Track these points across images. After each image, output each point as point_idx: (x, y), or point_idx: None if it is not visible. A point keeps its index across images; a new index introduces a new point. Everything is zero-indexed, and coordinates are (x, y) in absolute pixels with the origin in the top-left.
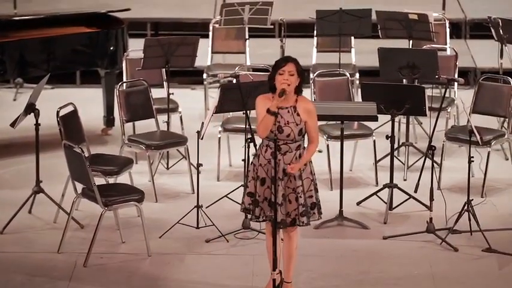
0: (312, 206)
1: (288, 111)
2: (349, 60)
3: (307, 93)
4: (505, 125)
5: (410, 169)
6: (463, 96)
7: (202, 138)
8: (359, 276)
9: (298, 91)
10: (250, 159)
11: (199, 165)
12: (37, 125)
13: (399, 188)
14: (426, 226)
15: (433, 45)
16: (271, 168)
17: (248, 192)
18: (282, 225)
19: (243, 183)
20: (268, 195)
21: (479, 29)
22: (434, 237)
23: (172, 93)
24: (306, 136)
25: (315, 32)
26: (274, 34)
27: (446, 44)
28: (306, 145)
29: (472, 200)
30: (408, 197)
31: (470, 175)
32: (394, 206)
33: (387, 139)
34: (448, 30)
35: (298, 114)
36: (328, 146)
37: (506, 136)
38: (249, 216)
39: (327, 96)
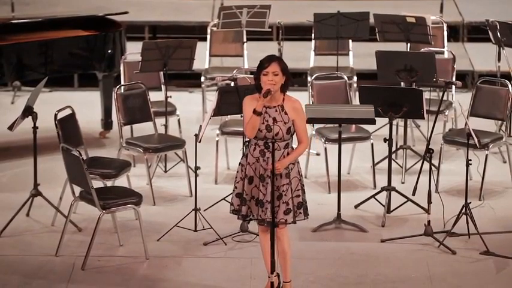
0: (299, 205)
1: (276, 110)
2: (347, 63)
3: (304, 96)
4: (503, 128)
5: (408, 172)
6: (461, 99)
7: (200, 141)
8: (357, 279)
9: (284, 89)
10: None
11: (197, 168)
12: (35, 128)
13: (397, 191)
14: (424, 229)
15: (431, 48)
16: (260, 167)
17: (237, 193)
18: (264, 223)
19: None
20: (256, 194)
21: (476, 32)
22: (432, 240)
23: (170, 96)
24: (294, 137)
25: (313, 35)
26: (272, 37)
27: (444, 47)
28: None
29: (470, 203)
30: (406, 200)
31: (468, 178)
32: (392, 209)
33: (385, 142)
34: (445, 33)
35: (286, 113)
36: (326, 149)
37: (503, 139)
38: (239, 217)
39: (325, 99)
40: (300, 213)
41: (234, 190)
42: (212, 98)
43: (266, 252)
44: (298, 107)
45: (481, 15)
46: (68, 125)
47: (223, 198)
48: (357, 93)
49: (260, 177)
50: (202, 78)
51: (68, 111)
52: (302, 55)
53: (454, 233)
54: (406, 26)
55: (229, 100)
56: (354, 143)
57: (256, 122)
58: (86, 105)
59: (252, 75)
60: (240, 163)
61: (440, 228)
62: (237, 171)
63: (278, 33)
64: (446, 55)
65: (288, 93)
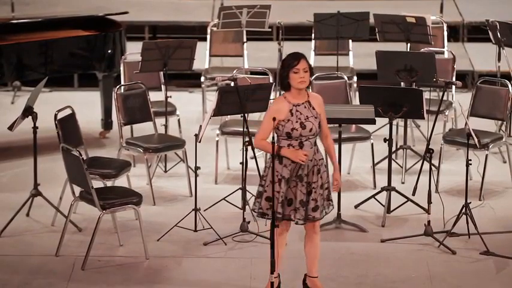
0: (328, 197)
1: (305, 107)
2: (347, 63)
3: None
4: (503, 128)
5: (408, 172)
6: (461, 99)
7: (200, 141)
8: (357, 279)
9: (308, 86)
10: (248, 162)
11: (197, 168)
12: (35, 128)
13: (397, 191)
14: (424, 229)
15: (431, 48)
16: (297, 167)
17: (267, 197)
18: (298, 223)
19: (241, 186)
20: (290, 195)
21: (476, 32)
22: (432, 240)
23: (170, 96)
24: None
25: (313, 35)
26: (272, 37)
27: (444, 47)
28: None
29: (470, 203)
30: (406, 200)
31: (468, 178)
32: (392, 209)
33: (385, 142)
34: (445, 33)
35: (313, 108)
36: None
37: (503, 139)
38: (267, 217)
39: (325, 99)
40: (330, 204)
41: (262, 193)
42: (212, 98)
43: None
44: (322, 101)
45: (481, 15)
46: (68, 125)
47: (224, 198)
48: (357, 93)
49: (298, 177)
50: (202, 78)
51: (68, 111)
52: None
53: (454, 233)
54: (406, 26)
55: (229, 100)
56: (354, 143)
57: (269, 152)
58: (86, 105)
59: (252, 76)
60: (268, 166)
61: (440, 228)
62: (266, 175)
63: (278, 33)
64: (446, 55)
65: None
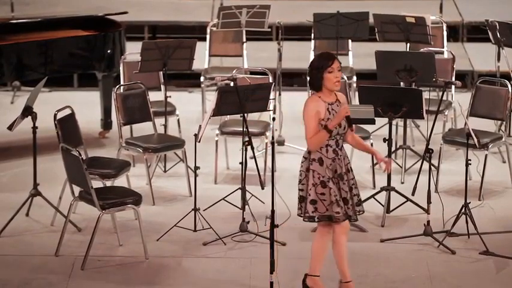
0: (345, 200)
1: (337, 105)
2: (347, 63)
3: (304, 96)
4: (502, 128)
5: (408, 172)
6: (461, 99)
7: (199, 141)
8: (357, 279)
9: None
10: (248, 162)
11: (196, 168)
12: (34, 128)
13: (397, 191)
14: (423, 229)
15: (431, 48)
16: (337, 166)
17: (311, 200)
18: (352, 219)
19: (240, 186)
20: (338, 194)
21: (476, 32)
22: (431, 240)
23: (170, 96)
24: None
25: (313, 35)
26: (272, 37)
27: (443, 47)
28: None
29: (470, 202)
30: (405, 200)
31: (468, 178)
32: (391, 209)
33: (385, 142)
34: (445, 33)
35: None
36: None
37: (503, 139)
38: (316, 220)
39: None
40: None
41: (305, 197)
42: (212, 98)
43: (321, 254)
44: (345, 100)
45: (480, 15)
46: (67, 125)
47: (223, 198)
48: (357, 93)
49: (339, 176)
50: (202, 78)
51: (67, 111)
52: (302, 55)
53: (453, 233)
54: (406, 26)
55: (229, 100)
56: None
57: (324, 138)
58: (86, 105)
59: (251, 76)
60: (307, 169)
61: (440, 228)
62: (303, 178)
63: (278, 33)
64: (445, 55)
65: (287, 93)
